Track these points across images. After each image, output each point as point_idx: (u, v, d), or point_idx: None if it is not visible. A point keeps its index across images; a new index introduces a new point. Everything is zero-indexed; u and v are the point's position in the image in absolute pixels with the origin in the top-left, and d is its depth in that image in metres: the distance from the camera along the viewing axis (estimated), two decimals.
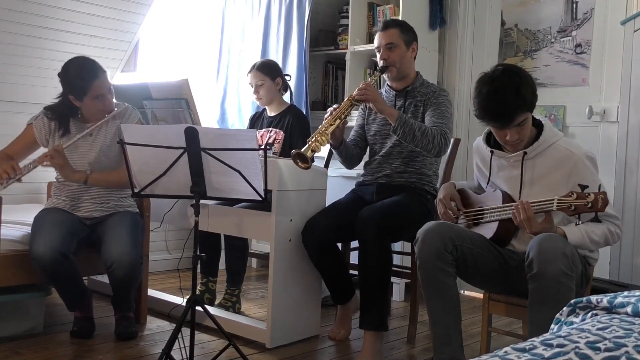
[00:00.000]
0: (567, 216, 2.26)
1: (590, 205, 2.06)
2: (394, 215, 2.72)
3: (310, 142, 2.64)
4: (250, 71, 3.45)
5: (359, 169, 3.18)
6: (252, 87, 3.43)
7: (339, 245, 3.04)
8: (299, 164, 2.61)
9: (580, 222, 2.15)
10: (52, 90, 2.96)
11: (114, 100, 2.93)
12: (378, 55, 2.97)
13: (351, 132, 3.14)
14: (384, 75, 2.98)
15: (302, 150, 2.60)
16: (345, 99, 2.81)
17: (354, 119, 3.28)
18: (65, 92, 2.83)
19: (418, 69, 3.05)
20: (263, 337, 2.83)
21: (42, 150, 2.99)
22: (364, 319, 2.71)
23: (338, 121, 2.75)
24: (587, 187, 2.10)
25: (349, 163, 3.07)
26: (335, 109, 2.78)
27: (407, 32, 2.95)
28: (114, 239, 2.72)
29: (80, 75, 2.75)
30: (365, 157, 3.14)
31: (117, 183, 2.85)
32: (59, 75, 2.80)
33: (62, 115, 2.87)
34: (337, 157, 3.04)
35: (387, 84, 3.04)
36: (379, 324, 2.69)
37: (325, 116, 2.79)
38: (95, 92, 2.78)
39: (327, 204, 3.02)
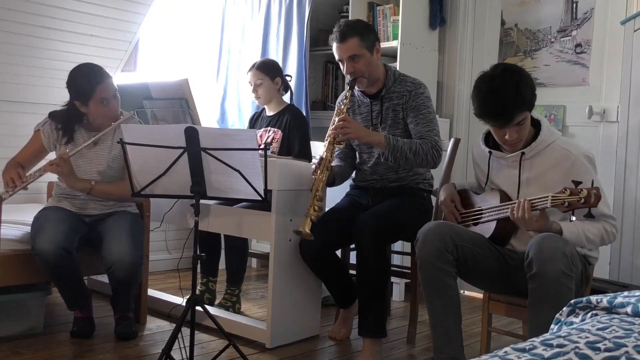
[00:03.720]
0: (565, 215, 2.26)
1: (583, 200, 2.06)
2: (390, 220, 2.70)
3: (308, 214, 2.59)
4: (250, 70, 3.44)
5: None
6: (251, 85, 3.43)
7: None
8: (304, 236, 2.60)
9: (575, 219, 2.16)
10: (52, 90, 2.97)
11: (120, 110, 2.93)
12: (342, 67, 2.79)
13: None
14: (355, 87, 2.83)
15: (301, 228, 2.58)
16: (327, 143, 2.68)
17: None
18: (71, 98, 2.85)
19: (418, 69, 3.02)
20: (263, 337, 2.83)
21: (51, 156, 3.01)
22: (363, 325, 2.70)
23: (327, 172, 2.68)
24: (580, 183, 2.10)
25: (344, 180, 3.01)
26: (320, 161, 2.68)
27: (367, 36, 2.75)
28: (114, 239, 2.72)
29: (86, 78, 2.78)
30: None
31: (120, 196, 2.88)
32: (66, 82, 2.81)
33: (66, 122, 2.87)
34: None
35: (359, 90, 2.89)
36: (377, 330, 2.68)
37: (314, 168, 2.71)
38: (100, 95, 2.79)
39: (327, 203, 3.01)
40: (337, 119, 2.68)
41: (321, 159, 2.69)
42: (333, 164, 2.80)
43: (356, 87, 2.85)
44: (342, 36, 2.74)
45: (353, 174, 3.08)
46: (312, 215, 2.59)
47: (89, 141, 2.83)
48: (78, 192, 2.88)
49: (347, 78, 2.81)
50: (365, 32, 2.77)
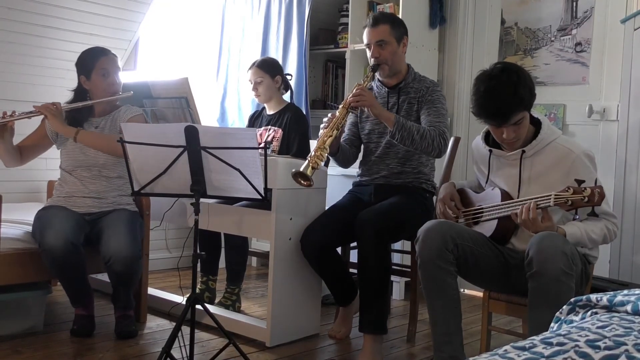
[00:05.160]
0: (566, 214, 2.26)
1: (587, 199, 2.06)
2: (392, 217, 2.70)
3: (309, 159, 2.55)
4: (250, 68, 3.45)
5: (357, 167, 3.17)
6: (251, 83, 3.43)
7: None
8: (301, 182, 2.56)
9: (578, 217, 2.15)
10: (52, 89, 2.97)
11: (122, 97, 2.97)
12: (368, 53, 2.90)
13: (345, 130, 3.06)
14: (376, 73, 2.93)
15: (302, 169, 2.52)
16: (341, 106, 2.73)
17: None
18: (78, 75, 2.96)
19: (418, 68, 3.04)
20: (263, 336, 2.83)
21: (52, 150, 3.05)
22: (364, 322, 2.70)
23: (335, 132, 2.68)
24: (583, 181, 2.10)
25: (346, 164, 3.04)
26: (331, 119, 2.70)
27: (397, 27, 2.88)
28: (112, 234, 2.73)
29: (91, 52, 2.99)
30: (361, 155, 3.10)
31: (107, 145, 2.84)
32: (75, 61, 2.98)
33: (75, 111, 2.92)
34: (334, 161, 3.01)
35: (379, 80, 2.99)
36: (378, 327, 2.69)
37: (322, 126, 2.73)
38: (102, 65, 2.92)
39: (327, 202, 3.01)
40: (355, 89, 2.73)
41: (333, 117, 2.71)
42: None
43: (376, 75, 2.94)
44: (375, 21, 2.87)
45: (357, 171, 3.09)
46: (313, 162, 2.54)
47: (86, 102, 2.90)
48: (75, 192, 2.89)
49: (371, 62, 2.89)
50: (396, 23, 2.91)
